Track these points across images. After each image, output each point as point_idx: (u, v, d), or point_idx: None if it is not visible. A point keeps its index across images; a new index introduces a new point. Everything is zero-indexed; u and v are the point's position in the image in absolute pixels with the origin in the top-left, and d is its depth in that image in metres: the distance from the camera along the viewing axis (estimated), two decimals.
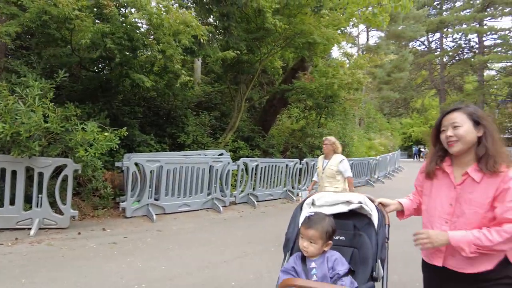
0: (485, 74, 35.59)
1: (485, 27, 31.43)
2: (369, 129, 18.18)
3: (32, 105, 4.44)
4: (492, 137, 1.65)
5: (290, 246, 1.88)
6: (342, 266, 1.66)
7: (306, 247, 1.69)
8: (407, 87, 34.96)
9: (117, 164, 6.70)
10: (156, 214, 6.17)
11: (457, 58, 36.51)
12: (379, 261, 1.71)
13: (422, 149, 33.95)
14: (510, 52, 29.86)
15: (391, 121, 32.51)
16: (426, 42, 38.15)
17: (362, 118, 18.11)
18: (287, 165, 8.96)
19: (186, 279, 3.65)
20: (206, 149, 10.08)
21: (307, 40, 9.55)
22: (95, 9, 4.85)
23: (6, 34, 4.58)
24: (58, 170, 5.24)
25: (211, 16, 7.80)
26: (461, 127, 1.64)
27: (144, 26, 6.32)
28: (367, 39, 28.60)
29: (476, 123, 1.66)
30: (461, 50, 35.70)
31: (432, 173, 1.80)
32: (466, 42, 35.10)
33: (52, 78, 5.36)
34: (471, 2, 31.81)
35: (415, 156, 35.59)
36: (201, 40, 5.38)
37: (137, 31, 5.15)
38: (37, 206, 5.09)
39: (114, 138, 5.18)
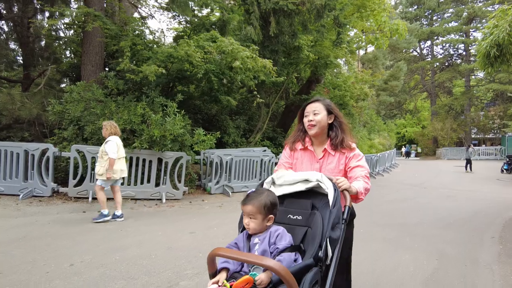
0: (473, 77, 38.72)
1: (471, 37, 34.59)
2: (371, 131, 21.12)
3: (174, 118, 7.04)
4: (340, 123, 2.18)
5: (243, 223, 1.81)
6: (284, 241, 1.62)
7: (247, 224, 1.69)
8: (401, 91, 38.00)
9: (197, 157, 9.30)
10: (230, 192, 8.80)
11: (446, 64, 39.58)
12: (327, 240, 1.62)
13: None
14: None
15: (387, 123, 35.51)
16: (418, 49, 41.21)
17: (366, 122, 21.03)
18: None
19: None
20: (239, 147, 12.69)
21: (325, 61, 12.23)
22: (204, 53, 7.41)
23: (151, 72, 7.13)
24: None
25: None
26: (319, 114, 2.12)
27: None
28: (365, 51, 31.42)
29: (329, 112, 2.16)
30: (450, 57, 38.88)
31: (295, 147, 2.27)
32: (455, 50, 38.31)
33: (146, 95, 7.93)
34: (458, 14, 34.96)
35: (407, 154, 38.72)
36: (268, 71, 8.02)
37: (228, 70, 7.77)
38: (163, 183, 7.68)
39: (213, 139, 7.77)
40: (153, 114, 7.08)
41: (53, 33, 12.63)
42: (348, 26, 10.39)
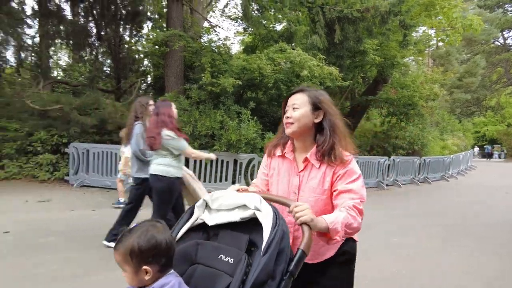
0: None
1: None
2: (443, 132, 20.02)
3: (248, 124, 7.91)
4: (331, 123, 1.57)
5: None
6: None
7: (124, 276, 1.15)
8: (479, 86, 34.89)
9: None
10: None
11: None
12: None
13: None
14: None
15: (463, 122, 32.94)
16: (501, 39, 37.37)
17: (438, 122, 20.06)
18: (379, 161, 11.68)
19: None
20: None
21: (392, 62, 12.17)
22: (274, 65, 8.19)
23: (229, 84, 8.08)
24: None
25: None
26: (299, 109, 1.55)
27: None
28: (437, 46, 29.41)
29: (316, 107, 1.57)
30: None
31: (274, 153, 1.71)
32: None
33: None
34: None
35: (489, 156, 35.49)
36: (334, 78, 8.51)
37: (296, 78, 8.49)
38: (238, 182, 8.58)
39: None
40: (230, 120, 8.01)
41: (134, 47, 14.59)
42: (415, 27, 10.29)
